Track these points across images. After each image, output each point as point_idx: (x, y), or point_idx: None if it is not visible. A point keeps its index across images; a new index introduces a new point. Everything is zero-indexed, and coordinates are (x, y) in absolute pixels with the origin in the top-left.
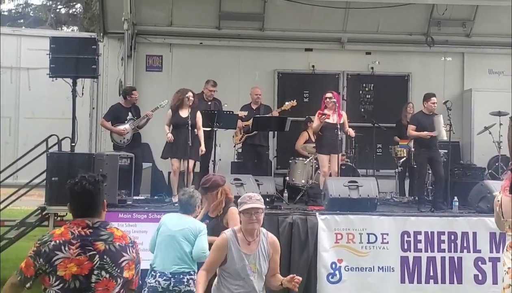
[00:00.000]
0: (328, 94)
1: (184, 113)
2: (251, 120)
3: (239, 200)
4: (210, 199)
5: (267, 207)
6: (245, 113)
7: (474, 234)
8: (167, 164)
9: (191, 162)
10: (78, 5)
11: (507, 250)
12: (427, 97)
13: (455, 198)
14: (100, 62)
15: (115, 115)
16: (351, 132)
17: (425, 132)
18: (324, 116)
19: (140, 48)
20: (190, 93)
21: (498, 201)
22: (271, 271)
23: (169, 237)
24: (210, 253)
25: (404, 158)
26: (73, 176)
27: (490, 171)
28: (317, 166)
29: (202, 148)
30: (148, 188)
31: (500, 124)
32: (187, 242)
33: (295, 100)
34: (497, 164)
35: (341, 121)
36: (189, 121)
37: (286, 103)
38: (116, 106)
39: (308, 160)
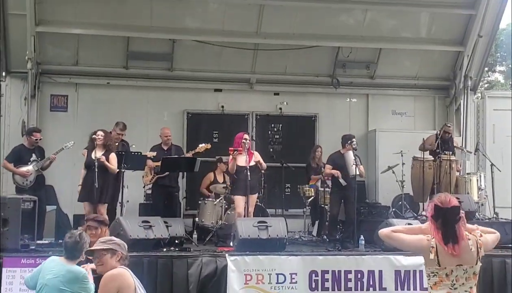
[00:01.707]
0: (246, 136)
1: (93, 154)
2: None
3: None
4: (99, 235)
5: (176, 249)
6: (154, 153)
7: (380, 272)
8: (72, 206)
9: (102, 206)
10: None
11: None
12: (349, 139)
13: (362, 237)
14: (2, 102)
15: (18, 156)
16: (263, 165)
17: (334, 171)
18: (236, 152)
19: (45, 87)
20: (99, 132)
21: (433, 247)
22: None
23: (43, 286)
24: None
25: (312, 197)
26: None
27: (394, 209)
28: (226, 206)
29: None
30: (52, 231)
31: (403, 163)
32: None
33: (209, 143)
34: (400, 203)
35: (252, 163)
36: (96, 163)
37: (200, 145)
38: (19, 148)
39: (217, 200)
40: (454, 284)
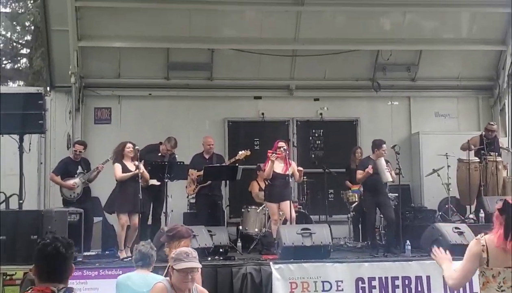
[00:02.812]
0: (281, 143)
1: (130, 166)
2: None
3: (174, 255)
4: (172, 249)
5: (221, 258)
6: (195, 171)
7: (428, 277)
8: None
9: (136, 216)
10: (24, 60)
11: None
12: (379, 145)
13: (408, 242)
14: (47, 117)
15: (65, 169)
16: (299, 173)
17: (366, 170)
18: (275, 154)
19: (88, 101)
20: (129, 145)
21: (484, 245)
22: None
23: None
24: None
25: (356, 203)
26: (22, 234)
27: (440, 213)
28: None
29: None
30: (99, 242)
31: (448, 166)
32: None
33: (248, 149)
34: (447, 206)
35: (290, 172)
36: (139, 174)
37: (240, 152)
38: (65, 160)
39: (260, 208)
40: (501, 286)
